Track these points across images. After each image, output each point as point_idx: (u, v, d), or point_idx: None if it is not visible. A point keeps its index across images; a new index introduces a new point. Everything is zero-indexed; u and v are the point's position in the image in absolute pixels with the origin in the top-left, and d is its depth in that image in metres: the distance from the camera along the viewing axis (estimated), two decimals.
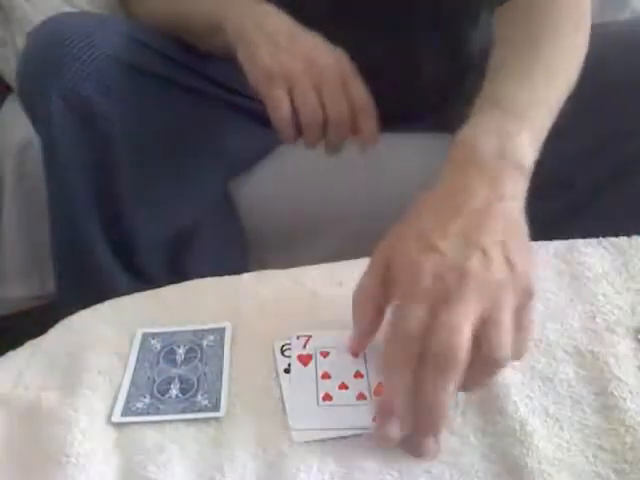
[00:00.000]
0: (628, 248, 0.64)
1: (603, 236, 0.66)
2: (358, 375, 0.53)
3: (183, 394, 0.53)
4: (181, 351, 0.57)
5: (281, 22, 0.73)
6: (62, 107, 0.74)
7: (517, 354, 0.49)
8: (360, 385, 0.52)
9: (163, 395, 0.53)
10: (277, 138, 0.76)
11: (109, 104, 0.75)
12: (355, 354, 0.54)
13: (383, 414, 0.47)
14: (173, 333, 0.59)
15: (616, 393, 0.51)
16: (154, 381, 0.55)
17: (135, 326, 0.60)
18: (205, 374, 0.55)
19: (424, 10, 0.87)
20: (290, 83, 0.69)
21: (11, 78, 1.11)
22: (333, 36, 0.73)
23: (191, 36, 0.82)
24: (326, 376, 0.53)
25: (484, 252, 0.48)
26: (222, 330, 0.59)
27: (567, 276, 0.62)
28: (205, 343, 0.58)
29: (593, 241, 0.66)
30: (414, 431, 0.47)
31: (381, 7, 0.86)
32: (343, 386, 0.53)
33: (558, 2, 0.67)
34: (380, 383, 0.52)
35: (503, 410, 0.50)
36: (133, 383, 0.55)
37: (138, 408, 0.52)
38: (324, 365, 0.54)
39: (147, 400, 0.53)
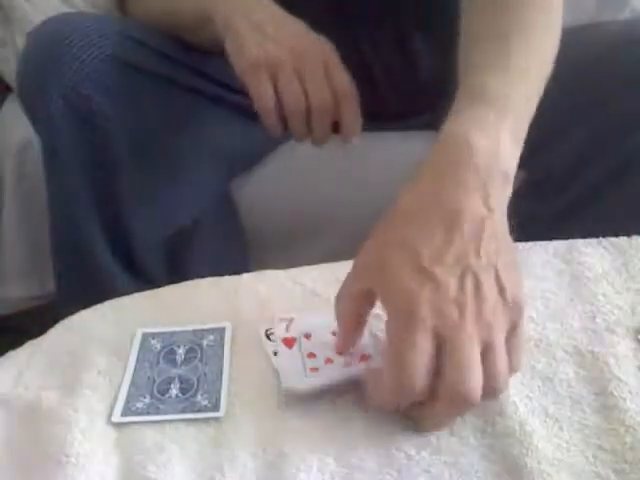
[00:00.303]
0: (628, 248, 0.64)
1: (603, 236, 0.66)
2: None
3: (183, 394, 0.53)
4: (181, 351, 0.57)
5: (268, 12, 0.73)
6: (62, 107, 0.74)
7: (511, 373, 0.49)
8: (346, 358, 0.54)
9: (163, 395, 0.53)
10: (277, 138, 0.76)
11: (109, 103, 0.75)
12: (341, 353, 0.54)
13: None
14: (173, 333, 0.59)
15: (616, 393, 0.51)
16: (154, 381, 0.55)
17: (135, 326, 0.60)
18: (205, 374, 0.55)
19: (416, 5, 0.88)
20: (275, 72, 0.69)
21: (11, 78, 1.11)
22: (327, 35, 0.73)
23: (184, 31, 0.82)
24: (312, 355, 0.54)
25: (476, 277, 0.47)
26: (222, 330, 0.59)
27: (567, 276, 0.62)
28: (205, 343, 0.58)
29: (593, 241, 0.66)
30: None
31: (373, 4, 0.87)
32: (329, 360, 0.54)
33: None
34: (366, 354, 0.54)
35: (503, 410, 0.50)
36: (133, 383, 0.55)
37: (138, 408, 0.52)
38: (308, 346, 0.55)
39: (147, 400, 0.53)
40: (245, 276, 0.66)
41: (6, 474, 0.49)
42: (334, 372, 0.53)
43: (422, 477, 0.47)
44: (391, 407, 0.48)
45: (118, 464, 0.49)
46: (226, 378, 0.55)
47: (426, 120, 1.01)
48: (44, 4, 1.07)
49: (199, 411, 0.52)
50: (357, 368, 0.53)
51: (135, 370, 0.56)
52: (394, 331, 0.47)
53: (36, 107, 0.77)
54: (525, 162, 0.90)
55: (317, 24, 0.73)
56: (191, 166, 0.85)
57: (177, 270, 0.87)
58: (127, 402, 0.53)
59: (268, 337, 0.57)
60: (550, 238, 0.67)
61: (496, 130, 0.53)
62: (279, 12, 0.73)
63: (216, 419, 0.51)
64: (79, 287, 0.85)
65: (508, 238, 0.51)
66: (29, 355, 0.58)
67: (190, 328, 0.59)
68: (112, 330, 0.60)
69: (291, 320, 0.57)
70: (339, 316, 0.52)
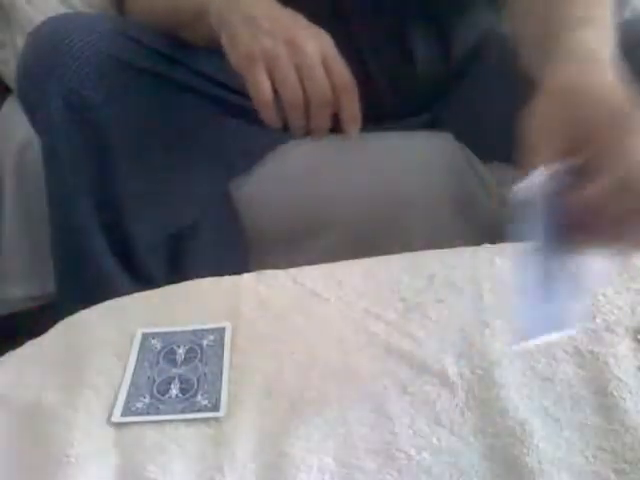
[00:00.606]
0: None
1: None
2: None
3: (183, 394, 0.53)
4: (181, 351, 0.57)
5: (264, 5, 0.72)
6: (62, 107, 0.74)
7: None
8: None
9: (163, 395, 0.53)
10: (277, 138, 0.75)
11: (108, 104, 0.75)
12: None
13: None
14: (173, 333, 0.59)
15: (616, 393, 0.51)
16: (154, 381, 0.55)
17: (135, 326, 0.60)
18: (205, 374, 0.55)
19: (415, 3, 0.88)
20: (271, 65, 0.68)
21: (11, 79, 1.11)
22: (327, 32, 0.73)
23: (182, 29, 0.81)
24: None
25: None
26: (222, 330, 0.59)
27: None
28: (205, 343, 0.58)
29: None
30: None
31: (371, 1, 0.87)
32: None
33: None
34: None
35: (503, 410, 0.50)
36: (133, 383, 0.55)
37: (138, 408, 0.52)
38: None
39: (147, 400, 0.53)
40: (245, 276, 0.66)
41: (6, 474, 0.49)
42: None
43: (422, 477, 0.47)
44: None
45: (118, 464, 0.49)
46: (226, 378, 0.55)
47: (425, 120, 1.02)
48: (44, 5, 1.07)
49: (199, 411, 0.52)
50: None
51: (135, 370, 0.56)
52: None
53: (36, 107, 0.77)
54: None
55: (314, 20, 0.73)
56: (191, 166, 0.85)
57: (177, 270, 0.87)
58: (127, 402, 0.53)
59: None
60: None
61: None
62: (275, 5, 0.73)
63: (216, 419, 0.51)
64: (79, 287, 0.85)
65: None
66: (29, 355, 0.58)
67: (190, 328, 0.59)
68: (112, 330, 0.60)
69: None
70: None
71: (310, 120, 0.70)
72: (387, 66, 0.93)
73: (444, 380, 0.53)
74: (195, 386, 0.54)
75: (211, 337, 0.58)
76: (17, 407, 0.53)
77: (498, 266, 0.64)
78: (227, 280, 0.65)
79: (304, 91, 0.68)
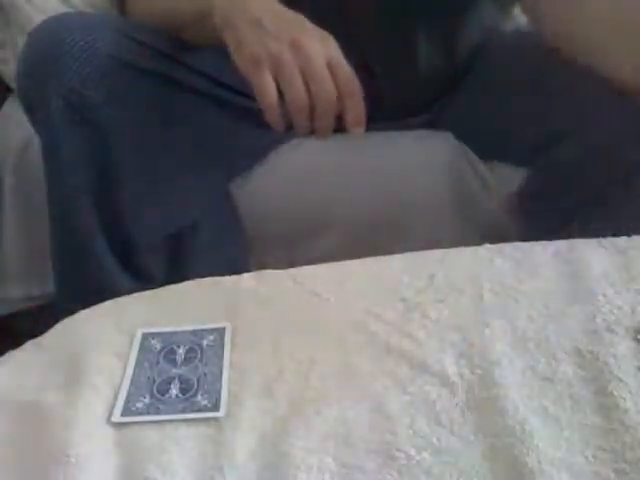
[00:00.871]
0: (628, 248, 0.64)
1: (603, 236, 0.66)
2: None
3: (183, 394, 0.53)
4: (181, 351, 0.57)
5: (268, 6, 0.72)
6: (62, 107, 0.74)
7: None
8: None
9: (163, 395, 0.53)
10: (278, 138, 0.75)
11: (109, 103, 0.75)
12: None
13: None
14: (173, 333, 0.59)
15: (616, 393, 0.51)
16: (154, 381, 0.55)
17: (135, 326, 0.60)
18: (205, 374, 0.55)
19: (418, 3, 0.88)
20: (276, 68, 0.69)
21: (11, 79, 1.11)
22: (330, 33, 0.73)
23: (184, 29, 0.81)
24: None
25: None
26: (222, 330, 0.59)
27: (567, 276, 0.62)
28: (205, 343, 0.58)
29: (593, 241, 0.66)
30: None
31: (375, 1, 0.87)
32: None
33: None
34: None
35: (503, 410, 0.50)
36: (133, 383, 0.55)
37: (138, 408, 0.52)
38: None
39: (147, 400, 0.53)
40: (245, 276, 0.66)
41: (6, 474, 0.49)
42: None
43: (422, 477, 0.47)
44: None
45: (118, 464, 0.49)
46: (226, 378, 0.55)
47: (425, 120, 1.02)
48: (44, 5, 1.07)
49: (199, 411, 0.52)
50: None
51: (135, 370, 0.56)
52: None
53: (36, 107, 0.77)
54: (528, 162, 0.91)
55: (317, 21, 0.73)
56: (191, 166, 0.85)
57: (177, 270, 0.87)
58: (127, 402, 0.53)
59: None
60: (551, 238, 0.67)
61: None
62: (279, 7, 0.73)
63: (216, 419, 0.51)
64: (79, 287, 0.85)
65: None
66: (29, 355, 0.58)
67: (190, 328, 0.59)
68: (112, 330, 0.60)
69: None
70: None
71: (315, 122, 0.71)
72: (390, 66, 0.93)
73: (444, 380, 0.53)
74: (195, 386, 0.54)
75: (211, 337, 0.58)
76: (17, 407, 0.53)
77: (498, 266, 0.64)
78: (227, 280, 0.65)
79: (309, 94, 0.69)
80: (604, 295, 0.60)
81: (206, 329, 0.59)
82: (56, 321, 0.62)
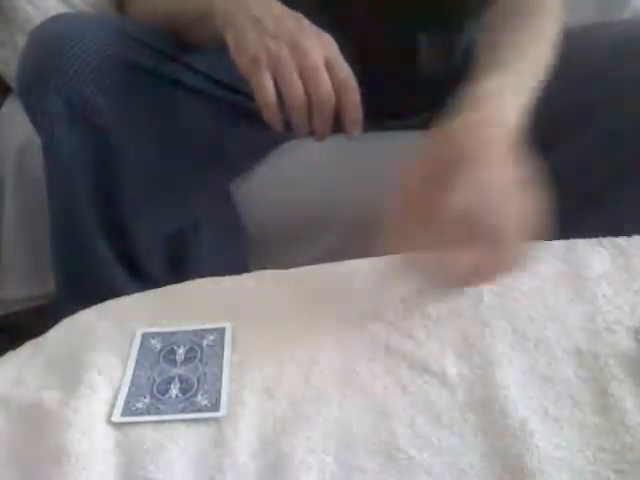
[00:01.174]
0: (628, 248, 0.64)
1: (603, 236, 0.66)
2: None
3: (183, 394, 0.53)
4: (181, 351, 0.57)
5: (267, 6, 0.73)
6: (62, 107, 0.74)
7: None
8: None
9: (163, 395, 0.53)
10: (277, 138, 0.75)
11: (109, 103, 0.75)
12: None
13: None
14: (173, 333, 0.59)
15: (616, 393, 0.51)
16: (154, 381, 0.55)
17: (135, 326, 0.60)
18: (205, 374, 0.55)
19: (424, 5, 0.88)
20: (275, 68, 0.69)
21: (11, 79, 1.11)
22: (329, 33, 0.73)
23: (185, 29, 0.81)
24: None
25: None
26: (222, 330, 0.59)
27: (567, 276, 0.62)
28: (205, 343, 0.58)
29: (593, 241, 0.66)
30: None
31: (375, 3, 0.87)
32: None
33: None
34: None
35: (503, 410, 0.50)
36: (133, 383, 0.55)
37: (138, 408, 0.52)
38: None
39: (147, 400, 0.53)
40: (245, 276, 0.66)
41: (6, 474, 0.49)
42: None
43: (422, 477, 0.47)
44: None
45: (118, 464, 0.49)
46: (226, 378, 0.55)
47: (425, 119, 1.01)
48: (44, 5, 1.07)
49: (199, 411, 0.52)
50: None
51: (135, 370, 0.56)
52: None
53: (36, 107, 0.77)
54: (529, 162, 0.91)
55: (316, 21, 0.73)
56: (192, 166, 0.85)
57: (177, 270, 0.87)
58: (127, 402, 0.53)
59: None
60: (551, 238, 0.67)
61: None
62: (279, 6, 0.73)
63: (216, 419, 0.51)
64: (79, 287, 0.85)
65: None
66: (29, 355, 0.58)
67: (190, 328, 0.59)
68: (112, 330, 0.60)
69: None
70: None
71: (313, 122, 0.71)
72: (390, 66, 0.93)
73: (444, 380, 0.53)
74: (195, 386, 0.54)
75: (211, 337, 0.58)
76: (17, 407, 0.53)
77: None
78: (227, 280, 0.65)
79: (307, 93, 0.69)
80: (604, 295, 0.60)
81: (206, 329, 0.59)
82: (56, 321, 0.62)
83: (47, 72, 0.74)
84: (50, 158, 0.79)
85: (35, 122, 0.79)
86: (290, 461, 0.48)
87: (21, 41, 1.05)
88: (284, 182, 0.98)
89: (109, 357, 0.57)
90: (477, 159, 0.58)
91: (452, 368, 0.54)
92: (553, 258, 0.64)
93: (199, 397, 0.53)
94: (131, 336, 0.59)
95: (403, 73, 0.94)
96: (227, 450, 0.49)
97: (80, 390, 0.54)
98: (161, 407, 0.52)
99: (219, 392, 0.53)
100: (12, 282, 1.07)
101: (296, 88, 0.69)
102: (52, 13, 0.82)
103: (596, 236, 0.66)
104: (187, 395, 0.53)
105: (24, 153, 1.01)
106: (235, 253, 0.96)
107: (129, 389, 0.54)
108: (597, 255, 0.64)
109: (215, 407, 0.52)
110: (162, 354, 0.57)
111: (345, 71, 0.71)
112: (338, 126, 0.72)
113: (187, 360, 0.57)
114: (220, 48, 0.72)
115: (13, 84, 1.11)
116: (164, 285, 0.65)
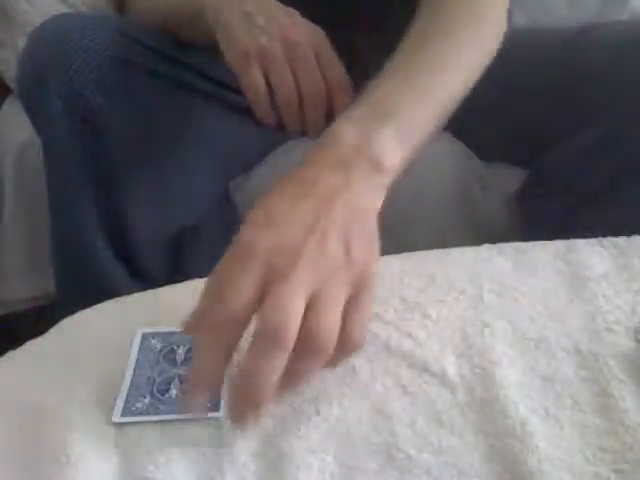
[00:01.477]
0: (628, 248, 0.64)
1: (603, 236, 0.66)
2: None
3: (183, 394, 0.53)
4: (181, 351, 0.57)
5: (259, 2, 0.73)
6: (62, 107, 0.74)
7: (349, 343, 0.49)
8: None
9: (163, 395, 0.53)
10: (277, 138, 0.75)
11: (109, 103, 0.75)
12: None
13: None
14: (173, 333, 0.59)
15: (616, 393, 0.51)
16: (154, 381, 0.55)
17: (135, 326, 0.60)
18: None
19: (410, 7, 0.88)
20: (266, 62, 0.69)
21: (11, 79, 1.11)
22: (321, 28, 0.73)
23: (181, 29, 0.81)
24: None
25: (323, 234, 0.49)
26: None
27: (567, 276, 0.62)
28: None
29: (593, 241, 0.66)
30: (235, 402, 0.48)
31: (371, 4, 0.87)
32: None
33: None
34: None
35: (503, 410, 0.50)
36: (133, 383, 0.54)
37: (138, 408, 0.52)
38: None
39: (147, 400, 0.53)
40: None
41: (6, 474, 0.49)
42: None
43: (422, 477, 0.47)
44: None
45: (118, 464, 0.49)
46: (226, 378, 0.55)
47: None
48: (44, 5, 1.07)
49: None
50: None
51: (135, 370, 0.56)
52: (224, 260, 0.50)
53: (36, 107, 0.77)
54: (528, 163, 0.91)
55: (308, 16, 0.73)
56: (191, 166, 0.85)
57: (177, 270, 0.87)
58: (127, 402, 0.53)
59: None
60: (551, 238, 0.67)
61: (370, 130, 0.55)
62: (270, 2, 0.73)
63: (216, 419, 0.51)
64: (79, 287, 0.85)
65: (367, 215, 0.52)
66: (29, 355, 0.58)
67: None
68: (112, 330, 0.60)
69: None
70: None
71: (304, 117, 0.71)
72: (383, 62, 0.93)
73: (444, 380, 0.53)
74: None
75: None
76: (17, 407, 0.53)
77: (498, 266, 0.64)
78: None
79: (298, 88, 0.69)
80: (604, 295, 0.60)
81: None
82: (56, 321, 0.62)
83: (47, 72, 0.74)
84: (50, 158, 0.79)
85: (35, 122, 0.79)
86: (290, 461, 0.48)
87: (21, 41, 1.05)
88: None
89: (109, 357, 0.57)
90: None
91: (452, 368, 0.54)
92: (553, 258, 0.64)
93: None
94: (131, 336, 0.59)
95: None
96: (227, 450, 0.49)
97: (80, 390, 0.54)
98: (161, 407, 0.52)
99: (219, 392, 0.53)
100: (12, 282, 1.07)
101: (287, 82, 0.69)
102: (52, 13, 0.82)
103: (596, 236, 0.66)
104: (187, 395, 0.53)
105: (24, 153, 1.01)
106: None
107: (129, 389, 0.54)
108: (597, 255, 0.64)
109: (215, 407, 0.52)
110: (162, 354, 0.57)
111: (337, 67, 0.71)
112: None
113: (187, 360, 0.56)
114: (215, 47, 0.72)
115: (13, 84, 1.11)
116: (164, 285, 0.65)
